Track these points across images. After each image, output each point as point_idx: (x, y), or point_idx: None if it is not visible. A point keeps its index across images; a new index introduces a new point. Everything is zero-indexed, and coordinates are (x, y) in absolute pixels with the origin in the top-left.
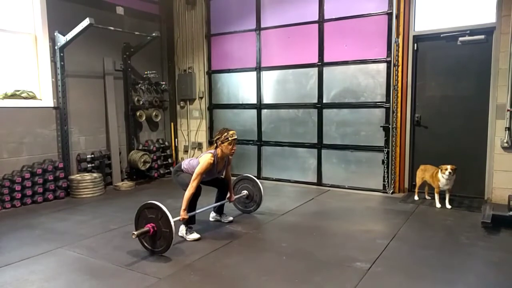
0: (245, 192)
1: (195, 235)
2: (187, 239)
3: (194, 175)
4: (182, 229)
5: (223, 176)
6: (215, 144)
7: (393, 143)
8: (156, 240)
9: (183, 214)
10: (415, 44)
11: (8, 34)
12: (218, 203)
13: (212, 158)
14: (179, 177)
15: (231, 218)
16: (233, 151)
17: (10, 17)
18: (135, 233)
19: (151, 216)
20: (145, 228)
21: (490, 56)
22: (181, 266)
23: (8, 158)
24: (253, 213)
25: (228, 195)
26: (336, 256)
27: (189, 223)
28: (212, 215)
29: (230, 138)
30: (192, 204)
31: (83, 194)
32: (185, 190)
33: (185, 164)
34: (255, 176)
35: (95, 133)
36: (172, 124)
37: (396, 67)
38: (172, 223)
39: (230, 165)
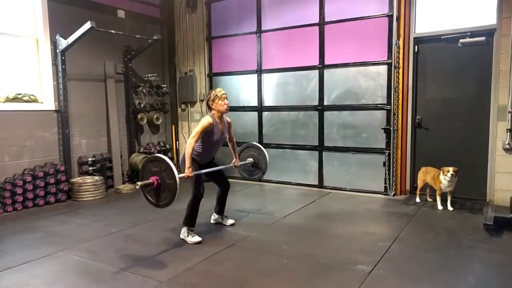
0: (250, 159)
1: (197, 238)
2: (189, 242)
3: (193, 133)
4: (184, 232)
5: (227, 140)
6: (209, 108)
7: (395, 145)
8: (161, 193)
9: (187, 172)
10: (416, 46)
11: (10, 38)
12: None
13: (211, 118)
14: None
15: (232, 221)
16: (226, 106)
17: (12, 20)
18: (139, 183)
19: (155, 169)
20: (149, 180)
21: (491, 58)
22: (183, 269)
23: (10, 162)
24: (254, 216)
25: (234, 160)
26: (338, 258)
27: (190, 225)
28: (214, 217)
29: (219, 94)
30: (194, 206)
31: (84, 197)
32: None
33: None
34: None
35: (96, 136)
36: (173, 126)
37: (397, 69)
38: (176, 175)
39: (231, 129)
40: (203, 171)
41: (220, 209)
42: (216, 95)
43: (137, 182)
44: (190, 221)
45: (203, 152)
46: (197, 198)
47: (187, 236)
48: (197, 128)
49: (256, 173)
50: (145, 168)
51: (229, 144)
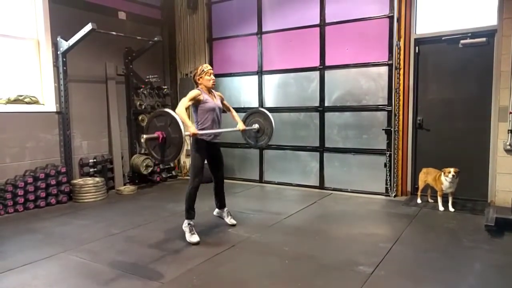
0: (256, 125)
1: (195, 238)
2: (187, 239)
3: (181, 101)
4: (185, 225)
5: (226, 110)
6: (196, 83)
7: (395, 146)
8: (166, 149)
9: (192, 130)
10: (417, 47)
11: (11, 40)
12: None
13: (198, 90)
14: (192, 153)
15: (234, 222)
16: (213, 81)
17: (13, 22)
18: (145, 136)
19: (160, 124)
20: (154, 134)
21: (492, 59)
22: (184, 271)
23: (11, 163)
24: (255, 217)
25: (238, 124)
26: (339, 260)
27: (191, 218)
28: (216, 211)
29: (205, 69)
30: (192, 197)
31: (85, 199)
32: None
33: None
34: (256, 180)
35: (97, 137)
36: None
37: (398, 70)
38: (182, 128)
39: (225, 101)
40: (211, 131)
41: (220, 203)
42: (203, 70)
43: (142, 135)
44: (190, 214)
45: (205, 123)
46: (195, 189)
47: (187, 232)
48: (184, 98)
49: (262, 138)
50: (150, 124)
51: (230, 114)
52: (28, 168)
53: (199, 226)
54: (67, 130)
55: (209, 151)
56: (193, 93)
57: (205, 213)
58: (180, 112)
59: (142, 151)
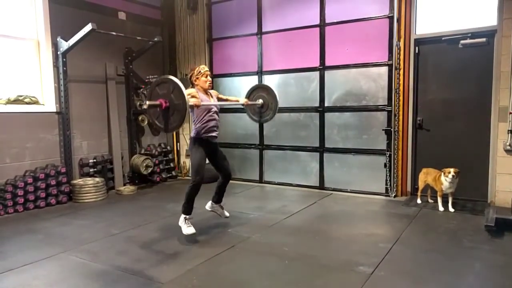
0: (260, 100)
1: (191, 230)
2: (183, 232)
3: None
4: (181, 220)
5: (224, 99)
6: (192, 84)
7: (395, 146)
8: (169, 116)
9: (194, 101)
10: (417, 47)
11: (11, 40)
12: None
13: (194, 89)
14: (191, 151)
15: (227, 214)
16: (209, 82)
17: (13, 23)
18: (148, 102)
19: (162, 92)
20: (157, 102)
21: (491, 59)
22: (184, 271)
23: (11, 163)
24: (255, 217)
25: (241, 98)
26: (339, 260)
27: (187, 213)
28: (210, 205)
29: (202, 71)
30: (192, 195)
31: (85, 199)
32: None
33: (192, 131)
34: (257, 180)
35: (97, 137)
36: None
37: (398, 70)
38: (185, 93)
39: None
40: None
41: (219, 198)
42: (200, 71)
43: (145, 102)
44: (187, 209)
45: (202, 124)
46: (196, 186)
47: (183, 224)
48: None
49: (267, 113)
50: (152, 92)
51: (229, 101)
52: (28, 168)
53: (199, 226)
54: (67, 130)
55: (209, 149)
56: (189, 90)
57: (206, 213)
58: None
59: (142, 152)
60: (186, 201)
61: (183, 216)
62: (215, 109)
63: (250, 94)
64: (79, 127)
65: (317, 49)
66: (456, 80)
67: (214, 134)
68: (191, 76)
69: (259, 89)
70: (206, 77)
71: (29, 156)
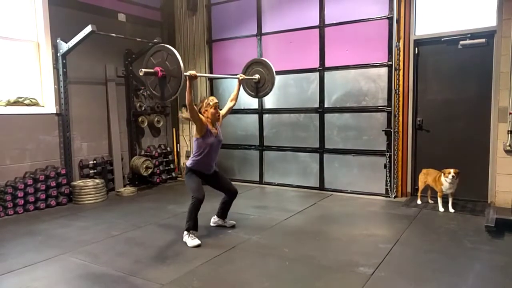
0: (257, 76)
1: (196, 241)
2: (189, 245)
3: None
4: (185, 235)
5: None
6: (201, 114)
7: (395, 147)
8: (166, 84)
9: (191, 72)
10: (416, 48)
11: (11, 42)
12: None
13: (205, 120)
14: (186, 177)
15: (233, 222)
16: (218, 115)
17: (13, 24)
18: (143, 70)
19: (157, 61)
20: (153, 70)
21: (491, 60)
22: (184, 272)
23: (11, 165)
24: (255, 218)
25: (238, 75)
26: (339, 261)
27: (192, 229)
28: (214, 220)
29: (211, 103)
30: (194, 211)
31: (85, 200)
32: (190, 193)
33: (188, 160)
34: (257, 181)
35: (97, 139)
36: (174, 129)
37: (397, 71)
38: (179, 58)
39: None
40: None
41: (223, 214)
42: (208, 103)
43: (140, 69)
44: (192, 226)
45: (201, 158)
46: (197, 202)
47: (188, 238)
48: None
49: (263, 88)
50: (147, 63)
51: (234, 97)
52: (28, 170)
53: (199, 227)
54: (67, 132)
55: (206, 178)
56: (202, 116)
57: (206, 214)
58: (191, 99)
59: (142, 153)
60: (189, 218)
61: (186, 232)
62: (216, 143)
63: (247, 69)
64: (79, 129)
65: (317, 50)
66: (455, 81)
67: (210, 171)
68: (200, 108)
69: (255, 64)
70: (215, 109)
71: (29, 157)
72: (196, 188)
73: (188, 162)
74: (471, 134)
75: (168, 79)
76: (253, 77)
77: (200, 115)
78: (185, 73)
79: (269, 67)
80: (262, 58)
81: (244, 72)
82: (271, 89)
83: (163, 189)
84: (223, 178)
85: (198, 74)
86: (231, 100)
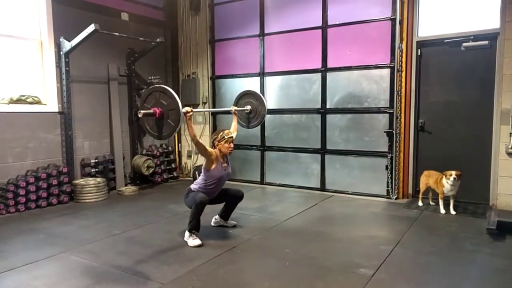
0: (248, 107)
1: (197, 241)
2: (190, 244)
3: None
4: (186, 234)
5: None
6: (213, 146)
7: (397, 148)
8: (164, 123)
9: (187, 108)
10: (419, 50)
11: (14, 40)
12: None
13: (215, 153)
14: (187, 197)
15: (234, 222)
16: (230, 149)
17: (16, 23)
18: (142, 112)
19: (151, 103)
20: (151, 110)
21: (494, 62)
22: (184, 272)
23: (13, 163)
24: (256, 219)
25: (231, 107)
26: (340, 262)
27: (194, 229)
28: (215, 220)
29: (226, 137)
30: (197, 213)
31: (86, 199)
32: (190, 208)
33: (193, 184)
34: (258, 182)
35: (99, 138)
36: None
37: (400, 72)
38: (178, 99)
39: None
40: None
41: (226, 215)
42: (223, 137)
43: (139, 111)
44: (194, 226)
45: (208, 188)
46: (202, 204)
47: (189, 237)
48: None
49: (255, 119)
50: (146, 99)
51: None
52: (30, 168)
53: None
54: (69, 131)
55: (213, 200)
56: (211, 150)
57: (206, 214)
58: (195, 134)
59: (144, 152)
60: (192, 218)
61: (188, 232)
62: (225, 177)
63: (239, 100)
64: (81, 127)
65: (319, 51)
66: (458, 83)
67: (215, 195)
68: (214, 140)
69: (246, 96)
70: (229, 143)
71: (31, 155)
72: (197, 196)
73: (193, 187)
74: (473, 136)
75: (167, 116)
76: (245, 108)
77: (210, 149)
78: (182, 110)
79: (259, 98)
80: (253, 90)
81: (236, 104)
82: (259, 124)
83: (164, 189)
84: (227, 190)
85: (194, 111)
86: (232, 132)
